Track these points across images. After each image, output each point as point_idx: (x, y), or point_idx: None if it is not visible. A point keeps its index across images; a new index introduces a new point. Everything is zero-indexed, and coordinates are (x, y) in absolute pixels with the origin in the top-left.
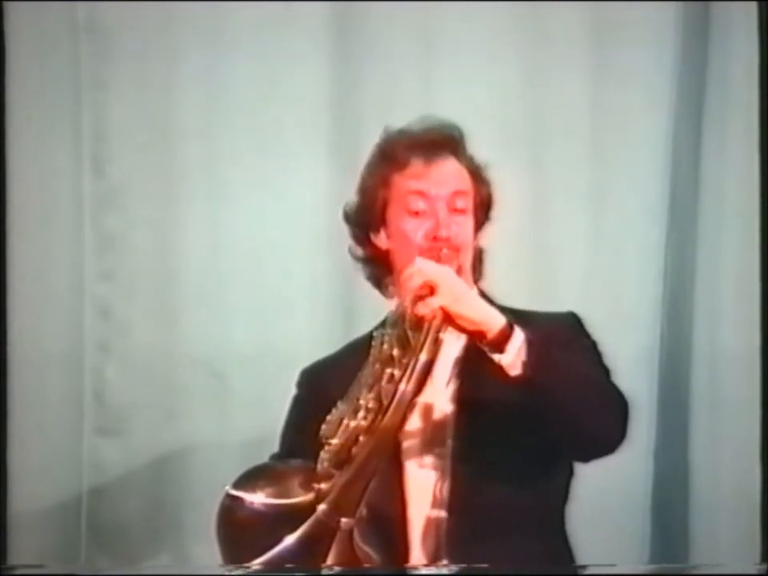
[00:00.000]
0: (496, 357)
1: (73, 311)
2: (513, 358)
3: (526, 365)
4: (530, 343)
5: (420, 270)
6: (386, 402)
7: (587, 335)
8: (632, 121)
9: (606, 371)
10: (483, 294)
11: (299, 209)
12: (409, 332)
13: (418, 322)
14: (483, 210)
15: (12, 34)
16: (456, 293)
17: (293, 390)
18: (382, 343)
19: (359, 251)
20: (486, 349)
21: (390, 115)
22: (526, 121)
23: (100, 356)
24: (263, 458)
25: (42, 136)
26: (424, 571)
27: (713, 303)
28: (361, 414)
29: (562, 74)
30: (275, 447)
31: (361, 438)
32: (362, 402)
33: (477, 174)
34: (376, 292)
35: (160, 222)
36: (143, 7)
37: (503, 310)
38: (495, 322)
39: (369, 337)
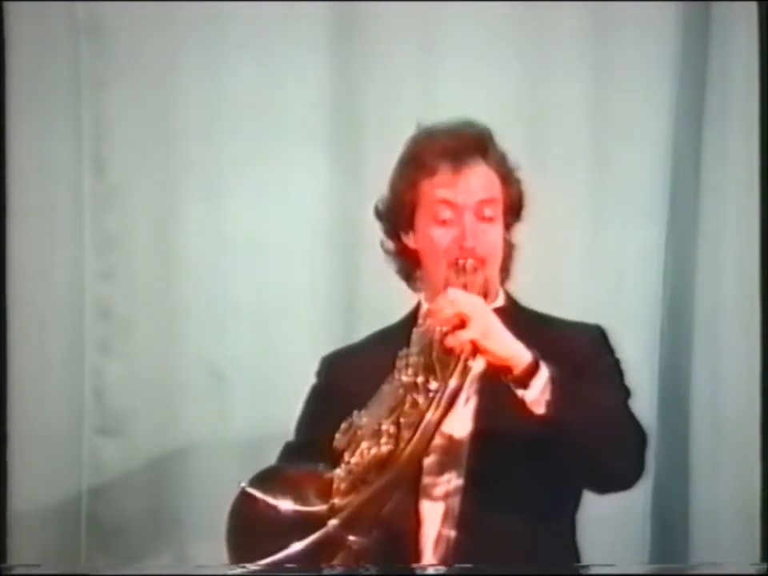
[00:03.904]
0: (519, 392)
1: (73, 311)
2: (537, 395)
3: (550, 404)
4: (555, 381)
5: (452, 301)
6: (406, 429)
7: (611, 352)
8: (632, 121)
9: (627, 392)
10: (510, 297)
11: (299, 209)
12: (436, 363)
13: (447, 352)
14: (513, 212)
15: (12, 34)
16: (486, 327)
17: (293, 390)
18: (406, 366)
19: (390, 245)
20: (510, 384)
21: (390, 115)
22: (526, 121)
23: (100, 356)
24: (263, 457)
25: (42, 136)
26: (425, 572)
27: (713, 303)
28: (382, 440)
29: (562, 74)
30: (275, 447)
31: (381, 464)
32: (383, 427)
33: (507, 177)
34: (377, 292)
35: (160, 222)
36: (143, 7)
37: (530, 314)
38: (522, 358)
39: (395, 332)
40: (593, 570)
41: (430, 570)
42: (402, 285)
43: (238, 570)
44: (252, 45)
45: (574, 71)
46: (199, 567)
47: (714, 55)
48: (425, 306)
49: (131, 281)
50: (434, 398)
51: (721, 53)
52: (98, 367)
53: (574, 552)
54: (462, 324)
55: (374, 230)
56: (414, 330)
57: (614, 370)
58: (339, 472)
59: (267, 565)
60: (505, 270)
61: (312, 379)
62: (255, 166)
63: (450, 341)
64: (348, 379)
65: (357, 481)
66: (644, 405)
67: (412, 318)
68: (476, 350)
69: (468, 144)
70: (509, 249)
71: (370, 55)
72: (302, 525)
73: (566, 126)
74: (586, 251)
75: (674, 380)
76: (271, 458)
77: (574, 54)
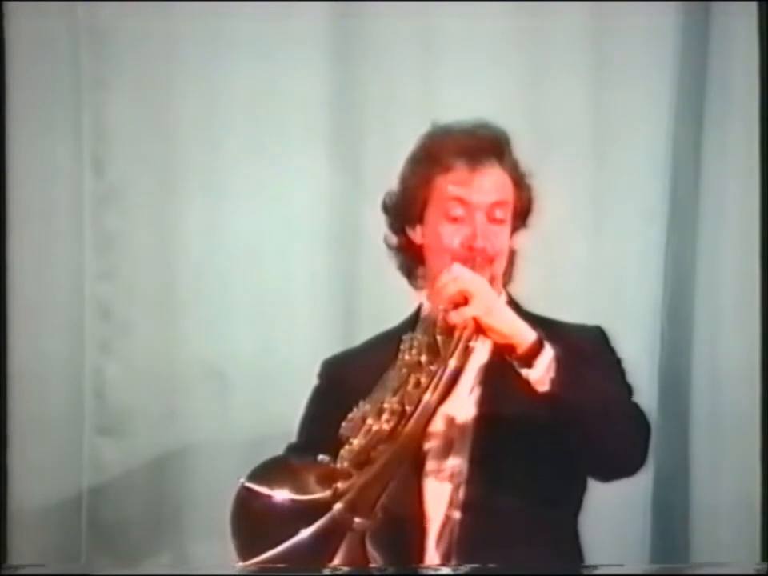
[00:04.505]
0: (524, 371)
1: (73, 311)
2: (541, 373)
3: (554, 382)
4: (559, 360)
5: (456, 278)
6: (409, 408)
7: (612, 351)
8: (632, 121)
9: (630, 389)
10: (512, 299)
11: (299, 209)
12: (439, 339)
13: (449, 330)
14: (521, 217)
15: (12, 34)
16: (489, 305)
17: (293, 390)
18: (410, 348)
19: (393, 240)
20: (514, 363)
21: (391, 116)
22: (527, 121)
23: (100, 356)
24: (264, 457)
25: (42, 136)
26: (428, 571)
27: (713, 303)
28: (384, 417)
29: (563, 74)
30: (276, 447)
31: (382, 442)
32: (386, 405)
33: (519, 182)
34: (377, 291)
35: (160, 222)
36: (143, 7)
37: (531, 317)
38: (526, 336)
39: (395, 333)
40: (593, 571)
41: (434, 570)
42: (402, 284)
43: (238, 570)
44: (252, 45)
45: (573, 71)
46: (199, 567)
47: (713, 55)
48: (426, 306)
49: (131, 281)
50: (434, 377)
51: (721, 53)
52: (98, 367)
53: (575, 541)
54: (465, 301)
55: (374, 230)
56: (422, 316)
57: (616, 368)
58: (343, 453)
59: (275, 555)
60: (507, 274)
61: (312, 379)
62: (255, 166)
63: (453, 317)
64: (350, 381)
65: (360, 460)
66: (644, 404)
67: (414, 320)
68: (479, 327)
69: (485, 145)
70: (511, 254)
71: (370, 55)
72: (307, 513)
73: (566, 126)
74: (587, 251)
75: (674, 380)
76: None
77: (574, 54)
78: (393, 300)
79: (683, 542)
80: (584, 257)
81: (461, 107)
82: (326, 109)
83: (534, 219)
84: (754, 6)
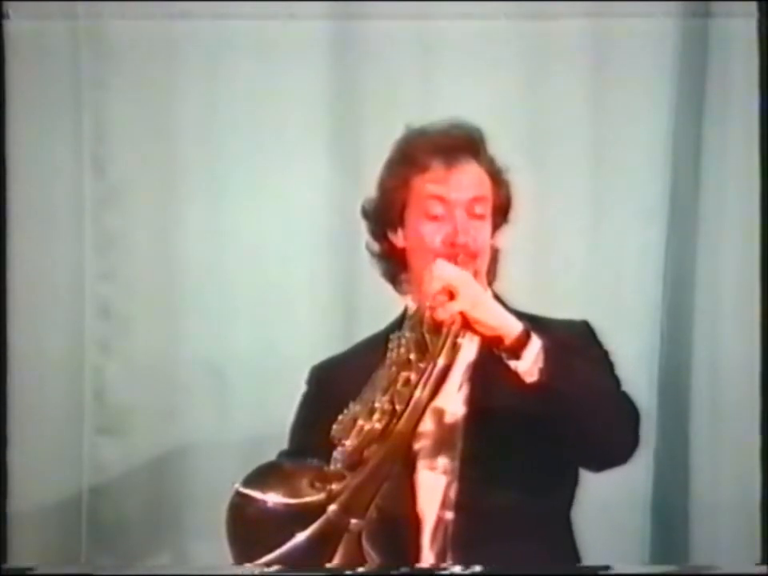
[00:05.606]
0: (512, 363)
1: (73, 311)
2: (529, 364)
3: (543, 372)
4: (547, 350)
5: (440, 274)
6: (399, 406)
7: (599, 345)
8: (632, 121)
9: (618, 382)
10: (497, 297)
11: (299, 209)
12: (426, 336)
13: (437, 327)
14: (501, 213)
15: (12, 34)
16: (475, 298)
17: (293, 390)
18: (399, 346)
19: (375, 247)
20: (502, 355)
21: (390, 115)
22: (526, 121)
23: (100, 356)
24: (263, 457)
25: (42, 136)
26: (433, 571)
27: (713, 303)
28: (375, 416)
29: (562, 74)
30: (275, 447)
31: (374, 442)
32: (377, 404)
33: (496, 178)
34: (376, 292)
35: (160, 222)
36: (143, 7)
37: (517, 314)
38: (513, 328)
39: (381, 336)
40: (591, 571)
41: (434, 571)
42: None
43: (237, 571)
44: (252, 45)
45: (573, 71)
46: (199, 567)
47: (714, 56)
48: (412, 307)
49: (131, 281)
50: (423, 373)
51: (721, 53)
52: (98, 366)
53: (569, 536)
54: (450, 296)
55: None
56: (408, 314)
57: (604, 360)
58: (335, 454)
59: (272, 559)
60: (491, 272)
61: None
62: (255, 165)
63: (440, 313)
64: (338, 385)
65: (353, 460)
66: (644, 404)
67: (400, 323)
68: (466, 321)
69: (460, 143)
70: (494, 252)
71: (370, 55)
72: (302, 516)
73: (566, 126)
74: (586, 251)
75: (674, 379)
76: (271, 457)
77: (574, 55)
78: (392, 300)
79: (682, 541)
80: (584, 256)
81: (460, 107)
82: (326, 109)
83: (534, 218)
84: (753, 5)
